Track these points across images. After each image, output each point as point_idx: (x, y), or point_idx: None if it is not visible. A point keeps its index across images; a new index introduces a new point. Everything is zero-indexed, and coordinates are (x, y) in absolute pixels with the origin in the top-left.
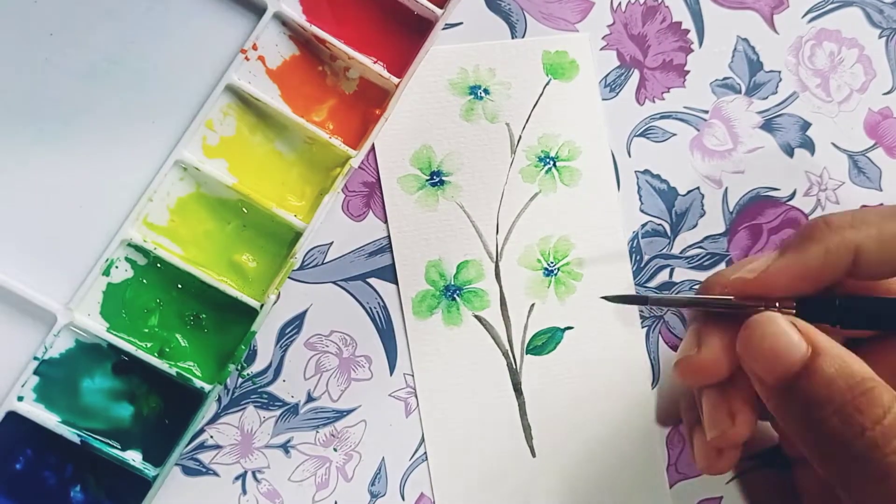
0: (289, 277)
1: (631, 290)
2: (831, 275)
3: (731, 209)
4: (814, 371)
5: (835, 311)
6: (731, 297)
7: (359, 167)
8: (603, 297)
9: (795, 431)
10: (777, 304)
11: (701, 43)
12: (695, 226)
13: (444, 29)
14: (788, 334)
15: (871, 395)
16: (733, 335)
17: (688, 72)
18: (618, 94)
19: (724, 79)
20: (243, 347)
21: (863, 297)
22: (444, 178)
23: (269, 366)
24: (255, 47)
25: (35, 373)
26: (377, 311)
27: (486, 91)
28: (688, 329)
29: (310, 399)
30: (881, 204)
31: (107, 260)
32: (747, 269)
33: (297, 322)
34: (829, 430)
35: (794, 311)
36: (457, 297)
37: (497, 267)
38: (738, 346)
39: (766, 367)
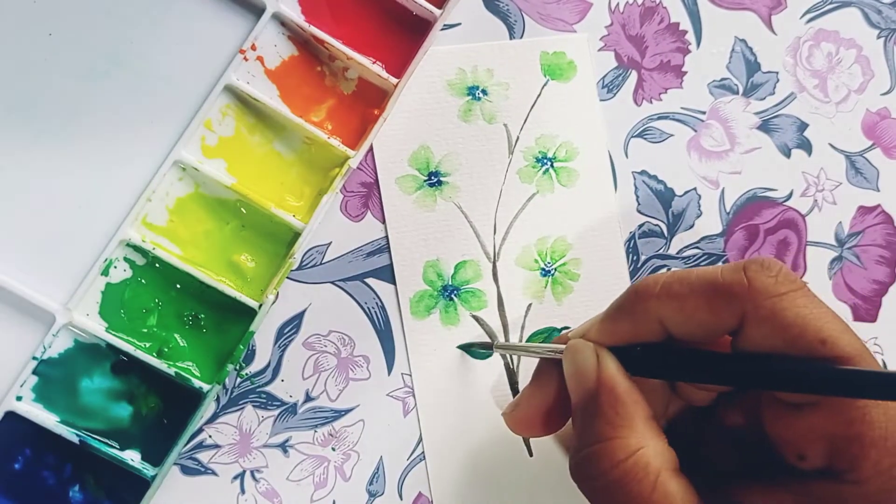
0: (287, 277)
1: None
2: (645, 337)
3: (727, 210)
4: (592, 402)
5: (657, 361)
6: (561, 348)
7: (357, 167)
8: (458, 347)
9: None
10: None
11: (699, 44)
12: (692, 226)
13: (442, 29)
14: (585, 361)
15: (613, 441)
16: (552, 393)
17: (685, 72)
18: (615, 94)
19: (722, 79)
20: (242, 347)
21: (685, 351)
22: (441, 179)
23: (268, 366)
24: (253, 47)
25: (34, 373)
26: (375, 311)
27: (484, 92)
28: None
29: (308, 399)
30: (877, 206)
31: (105, 260)
32: (579, 327)
33: (295, 322)
34: (583, 461)
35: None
36: (454, 297)
37: (494, 267)
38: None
39: (570, 388)
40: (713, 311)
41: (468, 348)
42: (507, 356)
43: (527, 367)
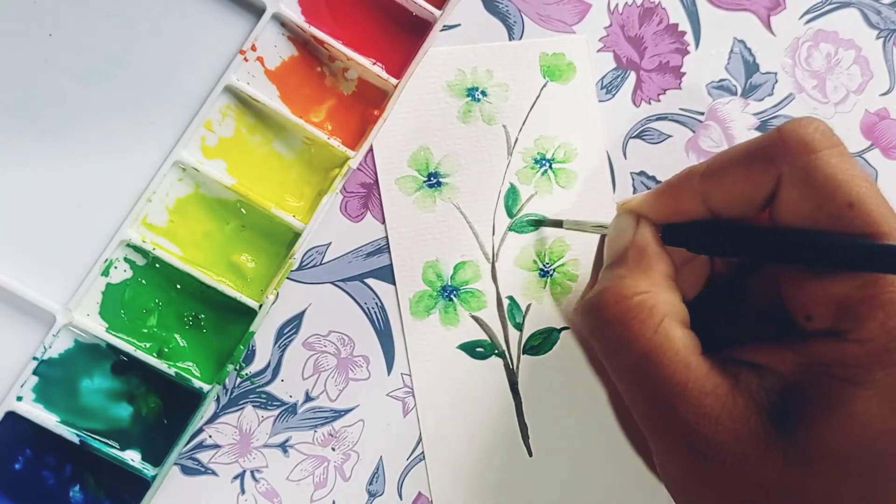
0: (287, 278)
1: None
2: (688, 215)
3: None
4: (620, 257)
5: (687, 235)
6: None
7: (357, 168)
8: (528, 222)
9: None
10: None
11: (697, 44)
12: None
13: (442, 30)
14: (624, 227)
15: (625, 280)
16: None
17: (684, 73)
18: (614, 95)
19: (721, 80)
20: (242, 347)
21: (726, 221)
22: (441, 180)
23: (268, 366)
24: (253, 48)
25: (34, 373)
26: (375, 312)
27: (483, 93)
28: None
29: (308, 399)
30: None
31: (106, 260)
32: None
33: (295, 322)
34: (589, 299)
35: (661, 235)
36: (454, 298)
37: (494, 268)
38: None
39: (605, 249)
40: (750, 178)
41: (537, 224)
42: (506, 356)
43: (527, 367)
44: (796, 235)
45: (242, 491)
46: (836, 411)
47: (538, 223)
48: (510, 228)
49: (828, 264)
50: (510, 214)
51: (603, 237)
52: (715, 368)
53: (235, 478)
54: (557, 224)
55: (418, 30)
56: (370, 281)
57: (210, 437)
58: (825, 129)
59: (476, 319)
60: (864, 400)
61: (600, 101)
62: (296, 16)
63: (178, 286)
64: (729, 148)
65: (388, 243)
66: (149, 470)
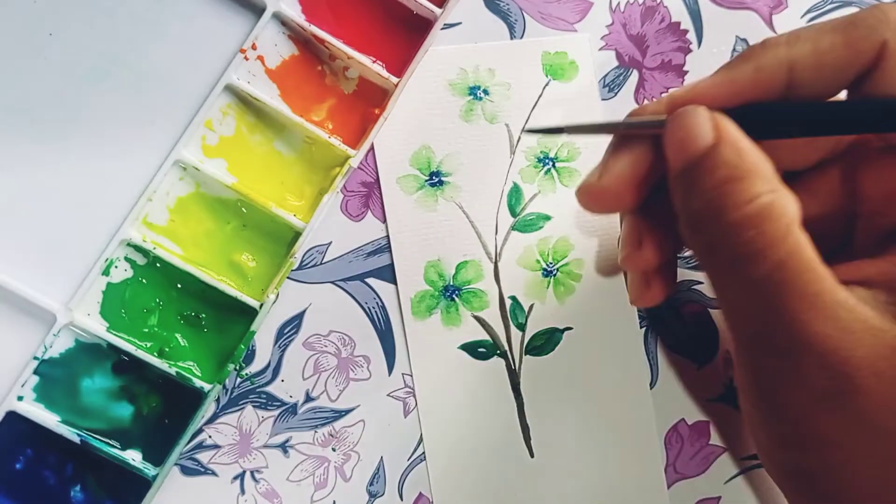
0: (287, 277)
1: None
2: (763, 92)
3: None
4: (708, 157)
5: (753, 118)
6: (663, 118)
7: (357, 167)
8: (526, 131)
9: (680, 216)
10: None
11: (700, 43)
12: None
13: (442, 29)
14: (700, 124)
15: (741, 182)
16: (641, 162)
17: (686, 72)
18: (616, 94)
19: None
20: (243, 347)
21: (783, 103)
22: (443, 179)
23: (268, 366)
24: (254, 47)
25: (35, 372)
26: (376, 311)
27: (485, 91)
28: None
29: (308, 399)
30: None
31: (106, 260)
32: (680, 88)
33: (295, 322)
34: (697, 212)
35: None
36: (456, 298)
37: (496, 267)
38: (664, 138)
39: (675, 153)
40: (850, 45)
41: (535, 131)
42: (508, 356)
43: (530, 367)
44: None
45: (242, 491)
46: None
47: (534, 132)
48: (513, 228)
49: None
50: (513, 214)
51: (618, 135)
52: (840, 283)
53: (235, 478)
54: (556, 131)
55: (419, 28)
56: (371, 280)
57: (210, 437)
58: None
59: (478, 319)
60: None
61: (603, 99)
62: (296, 14)
63: (179, 285)
64: (813, 23)
65: (388, 243)
66: (150, 469)
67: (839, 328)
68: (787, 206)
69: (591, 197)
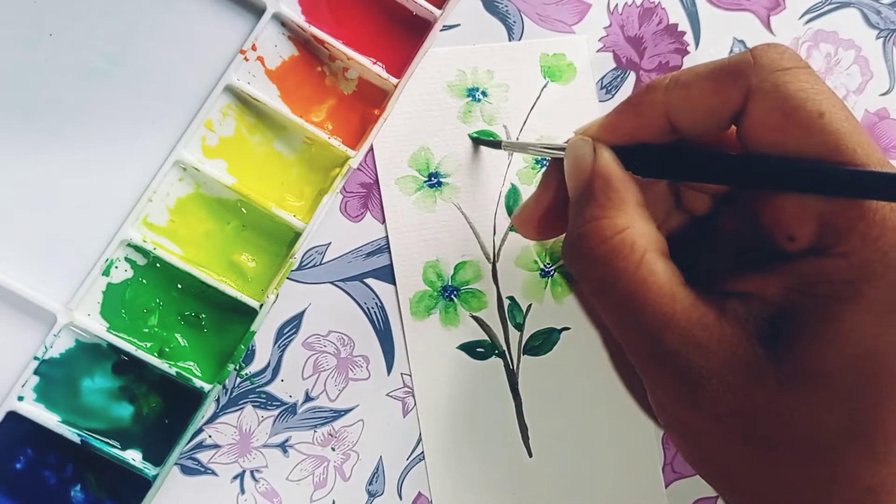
0: (287, 278)
1: None
2: (648, 134)
3: None
4: (586, 189)
5: (633, 158)
6: (565, 144)
7: (357, 168)
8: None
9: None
10: None
11: (697, 44)
12: None
13: (441, 30)
14: (583, 155)
15: (603, 220)
16: (558, 190)
17: None
18: (614, 95)
19: None
20: (243, 347)
21: (689, 148)
22: (441, 180)
23: (268, 366)
24: (254, 48)
25: (35, 373)
26: (375, 312)
27: (483, 93)
28: None
29: (308, 399)
30: None
31: (107, 260)
32: (585, 125)
33: (295, 322)
34: (571, 244)
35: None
36: (454, 298)
37: (494, 268)
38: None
39: (568, 181)
40: (718, 90)
41: (477, 140)
42: (506, 356)
43: (528, 367)
44: (765, 161)
45: (242, 491)
46: (825, 329)
47: (476, 141)
48: (511, 228)
49: (800, 190)
50: (511, 214)
51: (553, 160)
52: (700, 299)
53: (235, 478)
54: (495, 145)
55: (418, 29)
56: (370, 281)
57: (210, 437)
58: (794, 53)
59: (476, 320)
60: (852, 315)
61: (600, 101)
62: (296, 15)
63: (179, 286)
64: (694, 65)
65: (388, 243)
66: (150, 469)
67: (690, 345)
68: (638, 240)
69: (516, 224)
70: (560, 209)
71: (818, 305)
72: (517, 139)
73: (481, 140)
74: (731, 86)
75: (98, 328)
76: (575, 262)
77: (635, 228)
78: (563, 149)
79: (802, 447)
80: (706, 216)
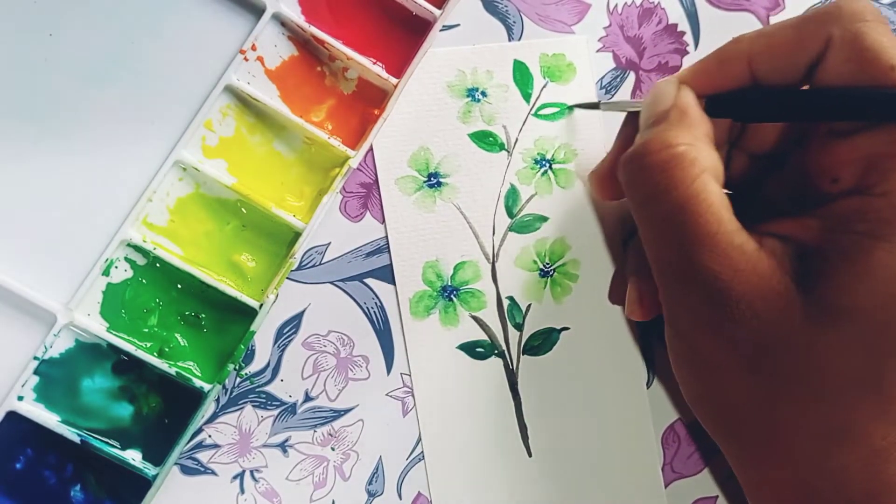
0: (287, 278)
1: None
2: (730, 81)
3: None
4: (661, 116)
5: (737, 103)
6: None
7: (356, 168)
8: (568, 107)
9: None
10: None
11: (697, 45)
12: None
13: (441, 30)
14: (666, 92)
15: (667, 133)
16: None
17: None
18: (613, 95)
19: None
20: (243, 347)
21: (768, 88)
22: (441, 180)
23: (267, 365)
24: (253, 48)
25: (35, 372)
26: (374, 312)
27: (483, 93)
28: None
29: (307, 398)
30: None
31: (106, 260)
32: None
33: (294, 322)
34: (630, 153)
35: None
36: (454, 298)
37: (494, 268)
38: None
39: (644, 114)
40: (801, 37)
41: (571, 109)
42: (506, 356)
43: (527, 367)
44: (835, 92)
45: (242, 491)
46: (856, 265)
47: (571, 108)
48: (510, 229)
49: (864, 118)
50: (510, 215)
51: (630, 113)
52: (743, 230)
53: (235, 477)
54: (594, 106)
55: (418, 29)
56: (370, 281)
57: (209, 436)
58: (875, 9)
59: (476, 319)
60: (885, 254)
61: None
62: (296, 15)
63: (179, 286)
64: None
65: (387, 243)
66: (150, 469)
67: (726, 266)
68: (698, 157)
69: (597, 181)
70: None
71: (852, 242)
72: (515, 141)
73: (580, 105)
74: (814, 33)
75: (98, 328)
76: (630, 168)
77: (700, 148)
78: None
79: (816, 387)
80: (766, 165)
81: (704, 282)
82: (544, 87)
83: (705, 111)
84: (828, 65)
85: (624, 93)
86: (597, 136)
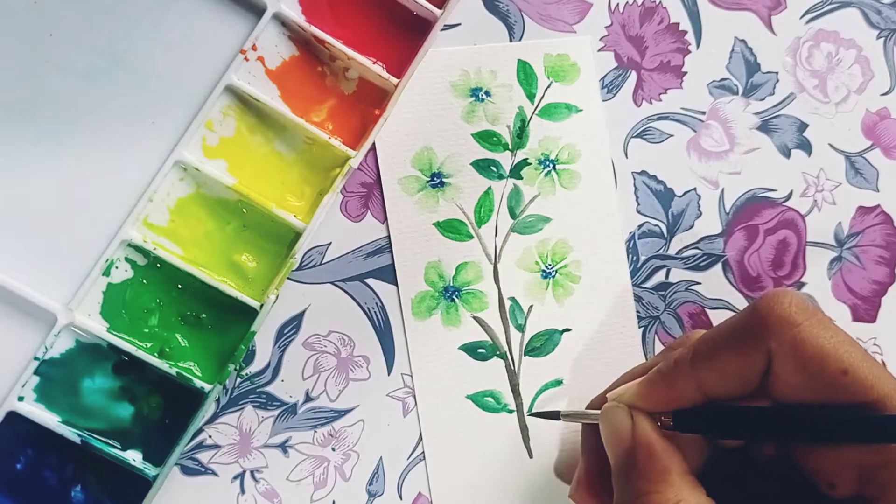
0: (287, 278)
1: (628, 292)
2: (683, 402)
3: (727, 210)
4: (628, 460)
5: (701, 421)
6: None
7: (357, 168)
8: (530, 414)
9: None
10: (661, 418)
11: (698, 44)
12: (691, 227)
13: (442, 30)
14: (620, 427)
15: (653, 495)
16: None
17: (685, 73)
18: (615, 95)
19: (722, 80)
20: (243, 347)
21: (733, 406)
22: (444, 180)
23: (268, 366)
24: (254, 48)
25: (36, 373)
26: (375, 312)
27: (487, 93)
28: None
29: (308, 399)
30: (877, 207)
31: (107, 260)
32: (616, 388)
33: (295, 322)
34: None
35: (671, 422)
36: (456, 299)
37: (496, 269)
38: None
39: (607, 450)
40: (742, 358)
41: (536, 414)
42: (508, 357)
43: (528, 367)
44: (803, 413)
45: (242, 491)
46: None
47: (534, 415)
48: (513, 229)
49: (835, 441)
50: (513, 215)
51: (589, 425)
52: None
53: (235, 478)
54: (554, 416)
55: (419, 29)
56: (370, 281)
57: (210, 437)
58: (800, 300)
59: (478, 320)
60: None
61: (602, 100)
62: (296, 15)
63: (180, 286)
64: (710, 330)
65: (388, 243)
66: (150, 470)
67: None
68: None
69: (579, 500)
70: (608, 474)
71: None
72: (519, 141)
73: (539, 413)
74: (752, 351)
75: (98, 328)
76: None
77: (688, 501)
78: (594, 416)
79: None
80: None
81: None
82: (548, 87)
83: (672, 428)
84: (778, 377)
85: (625, 92)
86: (600, 136)
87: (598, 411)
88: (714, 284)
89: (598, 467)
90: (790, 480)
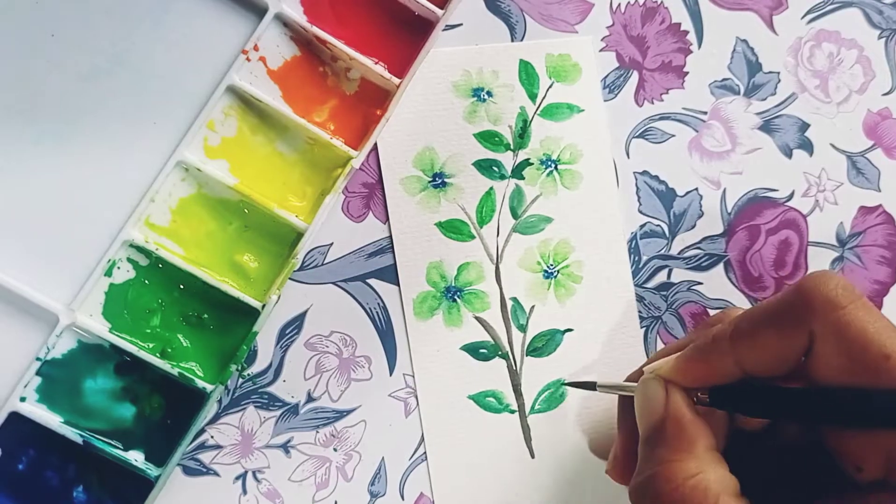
0: (289, 278)
1: (630, 292)
2: (721, 378)
3: (729, 210)
4: (658, 430)
5: (738, 399)
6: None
7: (359, 168)
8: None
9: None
10: (697, 394)
11: (700, 44)
12: (693, 227)
13: (444, 30)
14: (654, 397)
15: (677, 463)
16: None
17: (687, 73)
18: (617, 95)
19: (723, 80)
20: (245, 347)
21: (774, 386)
22: (446, 180)
23: (270, 366)
24: (256, 48)
25: (37, 373)
26: (377, 312)
27: (489, 93)
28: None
29: (310, 399)
30: (878, 206)
31: (109, 261)
32: (654, 362)
33: (297, 322)
34: (646, 479)
35: (708, 398)
36: (457, 299)
37: (497, 269)
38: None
39: (638, 421)
40: (784, 337)
41: (571, 384)
42: (510, 357)
43: (530, 367)
44: (837, 394)
45: (244, 491)
46: None
47: (569, 384)
48: (514, 229)
49: (873, 426)
50: (514, 216)
51: (626, 403)
52: None
53: (237, 478)
54: (591, 386)
55: (421, 29)
56: (372, 281)
57: (212, 437)
58: (845, 283)
59: (479, 321)
60: None
61: (603, 100)
62: (298, 16)
63: (182, 286)
64: (752, 308)
65: (390, 243)
66: (152, 470)
67: None
68: (711, 484)
69: (618, 479)
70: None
71: None
72: (521, 141)
73: (575, 383)
74: (795, 331)
75: (100, 329)
76: (650, 499)
77: (707, 473)
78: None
79: None
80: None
81: None
82: (550, 87)
83: (709, 404)
84: (818, 358)
85: (627, 92)
86: (602, 137)
87: (635, 384)
88: (716, 284)
89: (634, 444)
90: (814, 462)
